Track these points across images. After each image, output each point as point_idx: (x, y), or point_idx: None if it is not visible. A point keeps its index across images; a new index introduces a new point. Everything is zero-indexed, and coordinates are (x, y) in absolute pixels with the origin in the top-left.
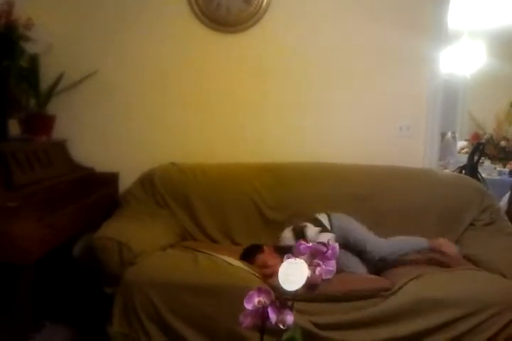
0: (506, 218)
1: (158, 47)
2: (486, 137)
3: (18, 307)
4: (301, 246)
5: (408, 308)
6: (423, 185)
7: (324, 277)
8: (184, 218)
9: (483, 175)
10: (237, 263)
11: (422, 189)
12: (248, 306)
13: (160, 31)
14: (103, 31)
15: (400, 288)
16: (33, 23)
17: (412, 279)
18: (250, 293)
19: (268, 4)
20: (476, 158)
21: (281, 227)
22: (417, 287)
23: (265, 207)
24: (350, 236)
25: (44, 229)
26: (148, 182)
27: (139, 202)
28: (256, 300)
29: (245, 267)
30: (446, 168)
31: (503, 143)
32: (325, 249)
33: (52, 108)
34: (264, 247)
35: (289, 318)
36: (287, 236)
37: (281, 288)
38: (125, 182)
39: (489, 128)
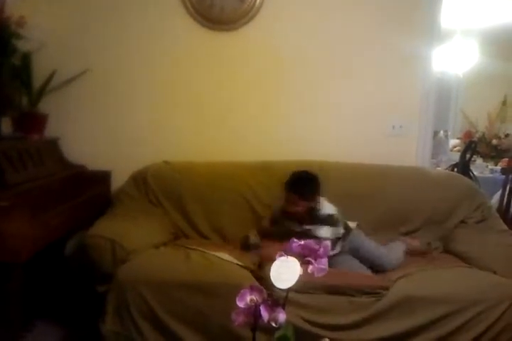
0: (498, 216)
1: (151, 46)
2: (478, 135)
3: (9, 307)
4: (293, 244)
5: (397, 306)
6: (415, 183)
7: (316, 275)
8: (177, 216)
9: (475, 173)
10: (230, 258)
11: (414, 187)
12: (240, 304)
13: (153, 29)
14: (96, 29)
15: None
16: (25, 20)
17: (401, 277)
18: (242, 291)
19: (262, 2)
20: (468, 156)
21: None
22: (406, 285)
23: (259, 205)
24: (360, 251)
25: (36, 228)
26: (141, 180)
27: (131, 200)
28: (248, 298)
29: (238, 262)
30: (438, 166)
31: (494, 141)
32: (317, 247)
33: (45, 106)
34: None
35: (281, 316)
36: None
37: (274, 285)
38: (118, 181)
39: (481, 126)
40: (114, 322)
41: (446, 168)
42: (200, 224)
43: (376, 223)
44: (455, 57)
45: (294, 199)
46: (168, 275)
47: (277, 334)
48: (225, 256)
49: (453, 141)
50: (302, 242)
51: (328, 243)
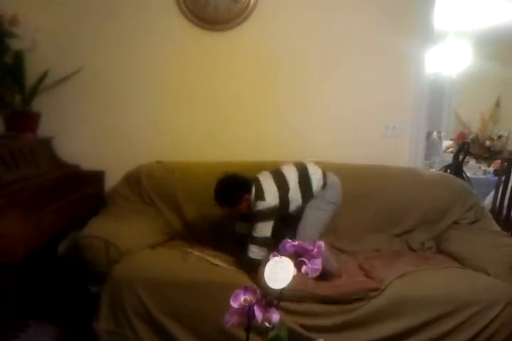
0: (491, 216)
1: (145, 45)
2: (471, 137)
3: (2, 307)
4: (287, 244)
5: (392, 308)
6: (408, 184)
7: (310, 276)
8: (171, 216)
9: (468, 174)
10: (226, 265)
11: (407, 188)
12: (234, 304)
13: (147, 29)
14: (89, 28)
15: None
16: (18, 19)
17: (396, 278)
18: (236, 291)
19: (256, 2)
20: (461, 157)
21: None
22: (400, 286)
23: None
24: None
25: (30, 228)
26: (134, 180)
27: (125, 200)
28: (242, 298)
29: (234, 267)
30: (431, 167)
31: (488, 142)
32: (311, 248)
33: (38, 105)
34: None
35: (275, 317)
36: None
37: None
38: (111, 181)
39: (475, 127)
40: (108, 321)
41: (440, 169)
42: (194, 224)
43: (370, 223)
44: (448, 59)
45: (223, 207)
46: (164, 275)
47: (271, 334)
48: (222, 263)
49: (446, 142)
50: (296, 242)
51: (322, 243)
